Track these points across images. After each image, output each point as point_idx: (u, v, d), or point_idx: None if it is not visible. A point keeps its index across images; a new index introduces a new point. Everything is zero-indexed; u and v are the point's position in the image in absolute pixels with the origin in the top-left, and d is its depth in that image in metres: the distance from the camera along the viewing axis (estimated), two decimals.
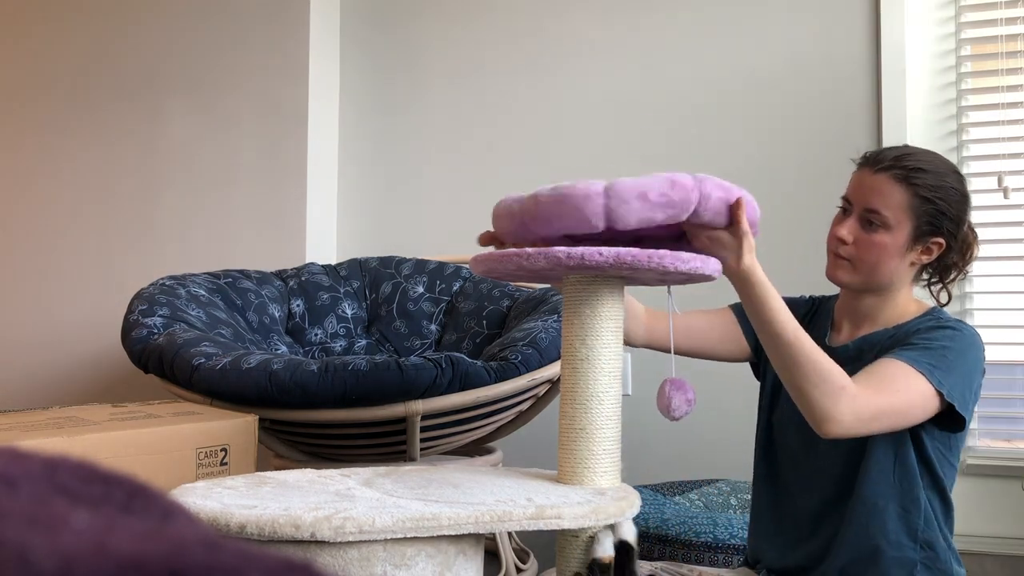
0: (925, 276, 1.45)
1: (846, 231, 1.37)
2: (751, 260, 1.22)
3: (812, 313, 1.55)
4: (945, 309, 1.44)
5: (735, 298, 1.68)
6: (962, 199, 1.38)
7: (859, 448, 1.34)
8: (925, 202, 1.33)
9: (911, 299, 1.41)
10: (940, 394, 1.26)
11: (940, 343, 1.29)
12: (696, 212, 1.15)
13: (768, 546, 1.47)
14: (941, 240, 1.36)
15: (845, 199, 1.40)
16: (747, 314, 1.28)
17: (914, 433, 1.33)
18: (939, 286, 1.46)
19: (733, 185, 1.22)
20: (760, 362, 1.56)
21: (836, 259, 1.39)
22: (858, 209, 1.36)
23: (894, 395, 1.24)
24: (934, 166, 1.36)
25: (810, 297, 1.59)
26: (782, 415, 1.48)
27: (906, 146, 1.43)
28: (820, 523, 1.39)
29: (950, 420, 1.30)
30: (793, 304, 1.54)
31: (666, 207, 1.12)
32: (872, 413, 1.22)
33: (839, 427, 1.21)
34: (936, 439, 1.34)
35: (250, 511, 0.99)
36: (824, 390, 1.20)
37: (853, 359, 1.38)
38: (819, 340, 1.44)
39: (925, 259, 1.38)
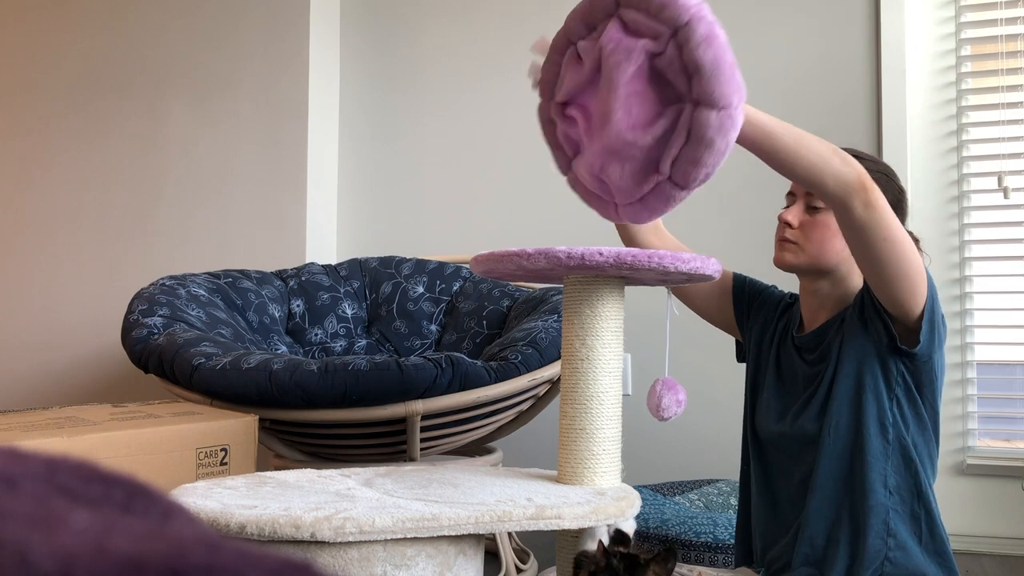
0: None
1: (791, 215, 1.42)
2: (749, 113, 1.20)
3: (787, 309, 1.57)
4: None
5: None
6: (900, 193, 1.45)
7: (831, 409, 1.37)
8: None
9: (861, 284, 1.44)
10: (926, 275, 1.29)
11: None
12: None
13: (765, 534, 1.48)
14: None
15: (789, 193, 1.46)
16: (768, 163, 1.25)
17: (886, 374, 1.35)
18: None
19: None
20: (746, 343, 1.58)
21: (782, 243, 1.43)
22: (801, 195, 1.42)
23: (900, 229, 1.26)
24: (871, 158, 1.45)
25: (789, 293, 1.61)
26: (764, 405, 1.50)
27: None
28: (806, 496, 1.40)
29: (913, 337, 1.32)
30: (772, 296, 1.59)
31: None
32: (886, 207, 1.23)
33: (864, 175, 1.21)
34: (904, 389, 1.36)
35: (250, 511, 0.99)
36: (840, 152, 1.22)
37: (812, 348, 1.43)
38: (788, 335, 1.49)
39: None
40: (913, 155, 2.41)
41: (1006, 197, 2.32)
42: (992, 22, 2.41)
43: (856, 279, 1.43)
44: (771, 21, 2.54)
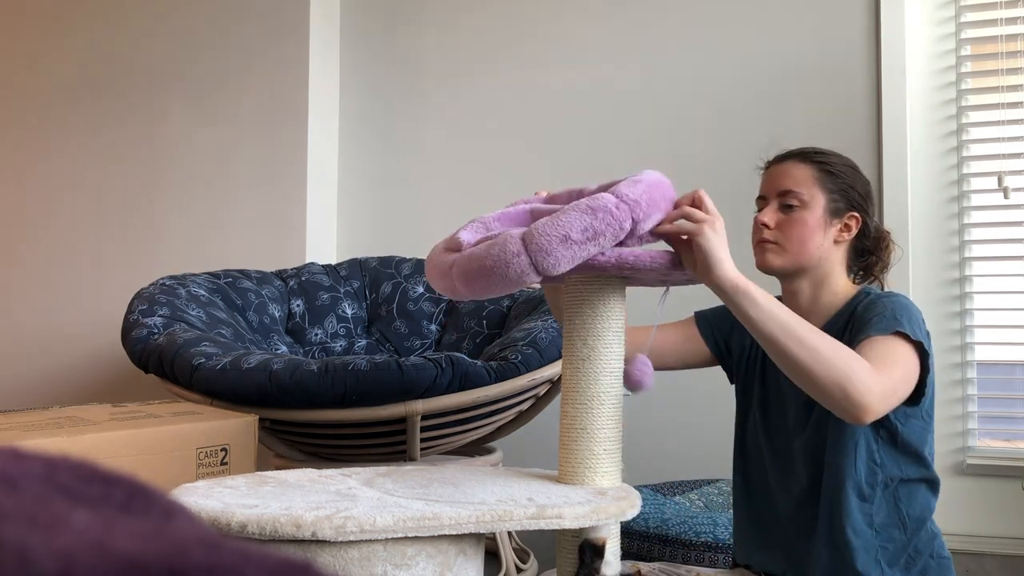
0: (852, 274, 1.48)
1: (767, 217, 1.41)
2: (721, 271, 1.18)
3: None
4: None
5: None
6: (867, 184, 1.46)
7: (822, 445, 1.36)
8: (832, 176, 1.41)
9: (845, 284, 1.43)
10: (919, 345, 1.27)
11: (889, 308, 1.31)
12: (636, 226, 1.10)
13: (755, 552, 1.48)
14: (856, 214, 1.42)
15: (760, 198, 1.45)
16: (751, 329, 1.23)
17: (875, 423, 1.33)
18: (872, 280, 1.49)
19: (652, 179, 1.17)
20: (733, 363, 1.57)
21: (762, 245, 1.41)
22: (773, 196, 1.42)
23: (895, 366, 1.24)
24: (834, 153, 1.46)
25: None
26: (755, 423, 1.49)
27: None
28: (798, 525, 1.40)
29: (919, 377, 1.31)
30: None
31: (595, 240, 1.06)
32: (889, 388, 1.21)
33: (871, 412, 1.19)
34: (891, 429, 1.34)
35: (251, 510, 0.99)
36: (854, 378, 1.17)
37: None
38: None
39: (846, 236, 1.42)
40: (913, 155, 2.41)
41: (1006, 197, 2.32)
42: (992, 22, 2.41)
43: (836, 280, 1.42)
44: (771, 21, 2.54)
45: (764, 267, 1.42)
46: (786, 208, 1.40)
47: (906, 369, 1.26)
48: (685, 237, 1.19)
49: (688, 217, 1.18)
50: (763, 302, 1.20)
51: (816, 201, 1.39)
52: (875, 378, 1.19)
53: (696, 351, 1.57)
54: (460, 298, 1.21)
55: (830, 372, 1.17)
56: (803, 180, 1.40)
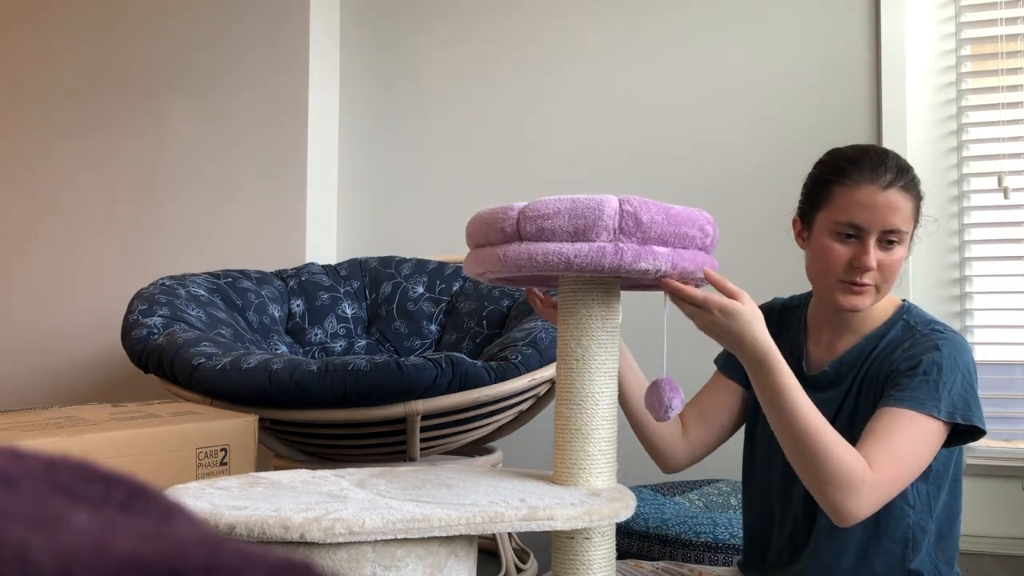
0: None
1: (874, 259, 1.24)
2: (753, 338, 1.14)
3: (782, 322, 1.44)
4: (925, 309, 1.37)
5: None
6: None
7: None
8: (919, 199, 1.29)
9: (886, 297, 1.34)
10: (950, 421, 1.19)
11: (935, 369, 1.21)
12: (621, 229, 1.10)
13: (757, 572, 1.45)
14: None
15: (850, 225, 1.25)
16: (759, 398, 1.18)
17: None
18: None
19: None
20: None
21: (860, 287, 1.25)
22: (876, 232, 1.24)
23: (908, 456, 1.16)
24: (907, 160, 1.32)
25: (782, 304, 1.49)
26: (763, 445, 1.42)
27: (874, 146, 1.32)
28: (800, 554, 1.34)
29: (966, 433, 1.23)
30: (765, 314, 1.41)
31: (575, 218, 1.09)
32: (889, 492, 1.15)
33: (856, 520, 1.14)
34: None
35: (240, 512, 0.99)
36: (844, 489, 1.12)
37: (832, 383, 1.33)
38: (794, 365, 1.29)
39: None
40: (913, 155, 2.41)
41: (1006, 197, 2.32)
42: (992, 22, 2.42)
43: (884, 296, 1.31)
44: (771, 21, 2.54)
45: (852, 309, 1.28)
46: (886, 244, 1.25)
47: (920, 451, 1.17)
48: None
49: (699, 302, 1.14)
50: (794, 385, 1.15)
51: (908, 233, 1.27)
52: (868, 494, 1.12)
53: (739, 406, 1.46)
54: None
55: (826, 472, 1.12)
56: (908, 216, 1.25)
